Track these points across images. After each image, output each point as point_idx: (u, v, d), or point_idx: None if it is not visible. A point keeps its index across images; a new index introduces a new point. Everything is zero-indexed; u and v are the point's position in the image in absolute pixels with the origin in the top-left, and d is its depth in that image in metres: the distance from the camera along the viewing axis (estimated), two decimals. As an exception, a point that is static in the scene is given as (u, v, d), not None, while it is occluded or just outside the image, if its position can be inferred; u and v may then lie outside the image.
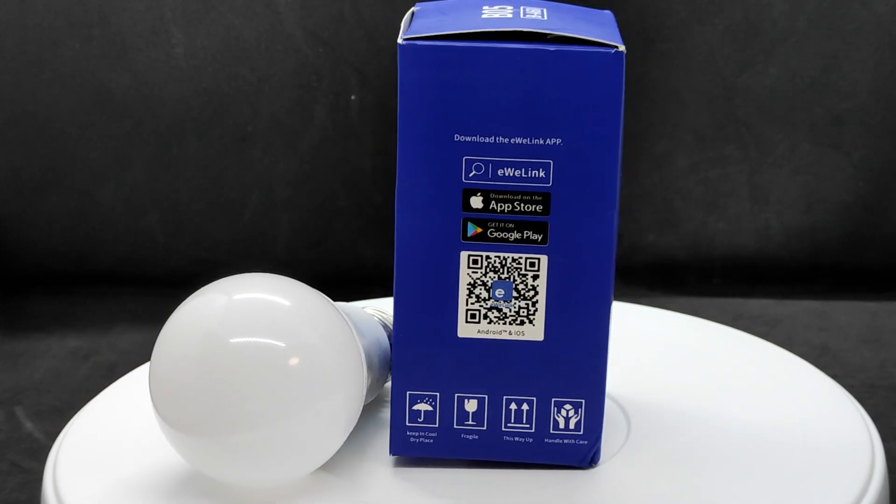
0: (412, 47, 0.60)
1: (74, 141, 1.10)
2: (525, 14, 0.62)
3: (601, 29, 0.62)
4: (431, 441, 0.64)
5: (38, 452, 0.88)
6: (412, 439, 0.64)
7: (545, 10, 0.63)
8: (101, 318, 1.07)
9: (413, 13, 0.64)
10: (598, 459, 0.65)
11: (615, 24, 0.63)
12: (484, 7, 0.63)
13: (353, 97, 1.11)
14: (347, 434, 0.63)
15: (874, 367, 0.99)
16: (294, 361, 0.59)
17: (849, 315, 1.07)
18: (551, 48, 0.59)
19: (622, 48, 0.59)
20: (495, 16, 0.62)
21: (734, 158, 1.12)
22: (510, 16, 0.62)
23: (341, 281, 1.09)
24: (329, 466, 0.65)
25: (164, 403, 0.60)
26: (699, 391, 0.73)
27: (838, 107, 1.11)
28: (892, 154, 1.12)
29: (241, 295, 0.61)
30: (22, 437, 0.90)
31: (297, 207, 1.12)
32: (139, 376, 0.74)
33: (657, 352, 0.77)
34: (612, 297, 0.64)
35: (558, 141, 0.60)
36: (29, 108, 1.09)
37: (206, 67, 1.09)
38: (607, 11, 0.66)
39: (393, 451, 0.65)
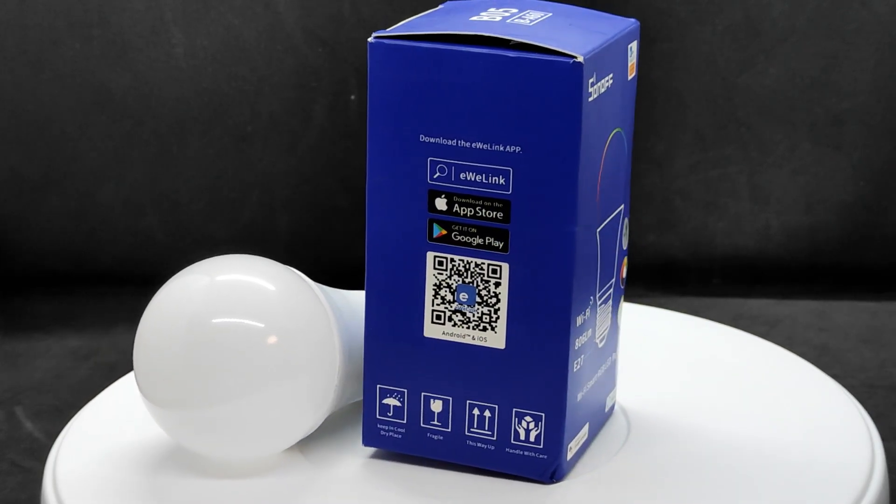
0: (380, 46, 0.60)
1: (74, 141, 1.10)
2: (520, 18, 0.61)
3: (587, 37, 0.60)
4: (400, 436, 0.65)
5: (38, 452, 0.88)
6: (382, 432, 0.65)
7: (546, 16, 0.62)
8: (101, 318, 1.07)
9: (434, 10, 0.64)
10: (561, 475, 0.63)
11: (616, 35, 0.61)
12: (490, 9, 0.63)
13: (352, 97, 1.11)
14: (317, 417, 0.64)
15: (874, 367, 0.99)
16: (264, 343, 0.62)
17: (849, 315, 1.07)
18: (511, 54, 0.58)
19: (580, 59, 0.58)
20: (485, 19, 0.61)
21: (734, 158, 1.12)
22: (499, 19, 0.61)
23: (340, 281, 1.09)
24: (307, 450, 0.67)
25: (147, 382, 0.63)
26: (699, 391, 0.73)
27: (838, 107, 1.11)
28: (892, 154, 1.12)
29: (222, 277, 0.64)
30: (22, 437, 0.90)
31: (297, 207, 1.12)
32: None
33: (657, 352, 0.77)
34: (582, 315, 0.62)
35: (517, 149, 0.59)
36: (29, 108, 1.09)
37: (206, 67, 1.09)
38: (631, 20, 0.64)
39: (365, 441, 0.65)
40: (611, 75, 0.61)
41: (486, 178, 0.60)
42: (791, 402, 0.72)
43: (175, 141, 1.10)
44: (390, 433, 0.65)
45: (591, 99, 0.59)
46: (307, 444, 0.67)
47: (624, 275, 0.67)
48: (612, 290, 0.66)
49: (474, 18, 0.61)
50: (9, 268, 1.12)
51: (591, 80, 0.59)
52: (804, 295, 1.10)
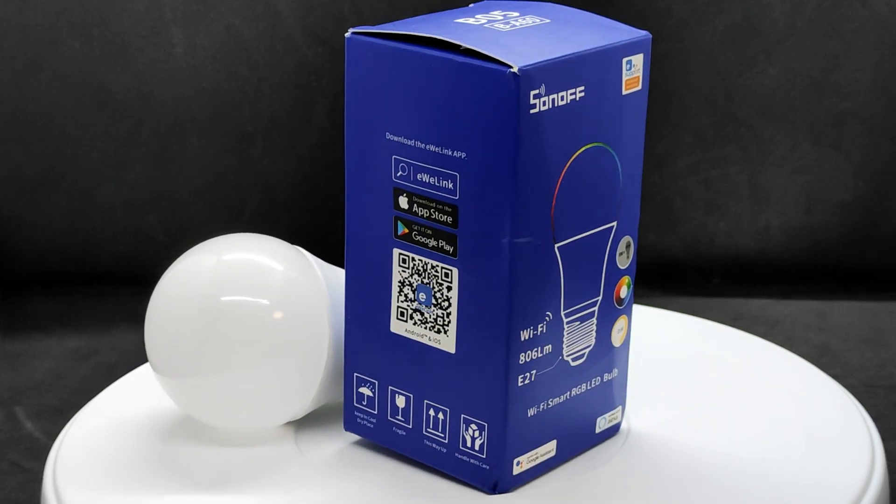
0: (354, 41, 0.60)
1: (74, 141, 1.10)
2: (504, 24, 0.61)
3: (554, 47, 0.59)
4: (372, 426, 0.65)
5: (38, 452, 0.88)
6: (358, 420, 0.66)
7: (540, 22, 0.61)
8: (101, 318, 1.07)
9: (458, 9, 0.64)
10: (506, 488, 0.62)
11: (599, 47, 0.60)
12: (493, 12, 0.62)
13: (353, 97, 1.11)
14: (309, 399, 0.66)
15: (874, 367, 0.99)
16: (260, 319, 0.64)
17: (849, 315, 1.07)
18: (459, 59, 0.58)
19: (516, 69, 0.56)
20: (470, 22, 0.61)
21: (734, 158, 1.12)
22: (483, 22, 0.61)
23: (341, 281, 1.09)
24: (298, 430, 0.68)
25: (158, 356, 0.66)
26: (699, 392, 0.73)
27: (838, 107, 1.11)
28: (892, 154, 1.12)
29: (228, 256, 0.66)
30: (22, 437, 0.90)
31: (297, 207, 1.12)
32: (139, 376, 0.74)
33: (657, 352, 0.77)
34: (529, 329, 0.61)
35: (463, 154, 0.59)
36: (29, 108, 1.09)
37: (206, 67, 1.09)
38: (642, 32, 0.62)
39: (345, 426, 0.66)
40: (580, 88, 0.59)
41: (438, 182, 0.60)
42: (791, 403, 0.72)
43: (175, 141, 1.10)
44: (364, 422, 0.65)
45: (535, 110, 0.58)
46: (302, 425, 0.69)
47: (622, 294, 0.65)
48: (595, 308, 0.64)
49: (460, 20, 0.61)
50: (9, 268, 1.12)
51: (535, 92, 0.57)
52: (804, 295, 1.10)
